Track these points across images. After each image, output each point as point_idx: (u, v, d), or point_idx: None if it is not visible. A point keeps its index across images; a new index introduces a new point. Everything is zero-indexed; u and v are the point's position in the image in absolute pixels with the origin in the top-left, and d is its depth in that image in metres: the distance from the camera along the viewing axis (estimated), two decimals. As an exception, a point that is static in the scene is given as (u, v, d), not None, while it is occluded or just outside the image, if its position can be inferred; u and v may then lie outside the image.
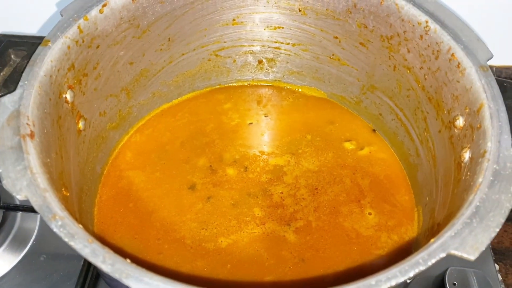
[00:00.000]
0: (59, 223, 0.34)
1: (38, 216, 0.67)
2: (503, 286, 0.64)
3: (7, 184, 0.36)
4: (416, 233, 0.56)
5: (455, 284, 0.58)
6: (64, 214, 0.35)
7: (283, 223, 0.57)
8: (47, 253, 0.63)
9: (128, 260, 0.33)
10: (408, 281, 0.48)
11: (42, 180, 0.37)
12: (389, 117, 0.64)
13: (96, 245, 0.33)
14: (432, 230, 0.49)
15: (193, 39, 0.65)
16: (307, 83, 0.71)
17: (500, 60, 0.81)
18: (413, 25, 0.53)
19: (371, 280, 0.32)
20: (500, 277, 0.64)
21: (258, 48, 0.69)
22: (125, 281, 0.31)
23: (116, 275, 0.31)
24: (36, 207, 0.35)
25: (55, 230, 0.34)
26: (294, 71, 0.71)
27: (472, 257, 0.33)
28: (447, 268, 0.59)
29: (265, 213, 0.58)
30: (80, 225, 0.35)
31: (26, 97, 0.42)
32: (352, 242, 0.56)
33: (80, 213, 0.51)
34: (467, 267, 0.59)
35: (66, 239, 0.33)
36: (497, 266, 0.65)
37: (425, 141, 0.57)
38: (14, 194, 0.35)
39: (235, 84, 0.73)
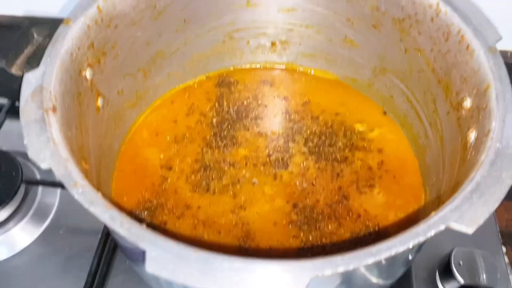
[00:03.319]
0: (80, 190, 0.37)
1: (58, 191, 0.70)
2: (509, 268, 0.65)
3: (32, 154, 0.38)
4: (423, 212, 0.58)
5: (460, 264, 0.59)
6: (84, 183, 0.37)
7: (291, 201, 0.59)
8: (66, 227, 0.66)
9: (144, 225, 0.35)
10: (410, 257, 0.49)
11: (63, 151, 0.39)
12: (400, 99, 0.65)
13: (114, 211, 0.35)
14: (437, 208, 0.50)
15: (207, 20, 0.66)
16: (320, 65, 0.72)
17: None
18: (424, 8, 0.54)
19: (372, 249, 0.33)
20: (506, 259, 0.65)
21: (271, 30, 0.70)
22: (141, 244, 0.33)
23: (132, 239, 0.34)
24: (58, 176, 0.37)
25: (76, 197, 0.36)
26: (307, 53, 0.72)
27: (470, 230, 0.34)
28: (453, 248, 0.60)
29: (275, 191, 0.60)
30: (99, 193, 0.37)
31: (48, 73, 0.44)
32: (359, 220, 0.57)
33: (98, 186, 0.54)
34: (473, 247, 0.60)
35: (86, 205, 0.36)
36: (504, 249, 0.66)
37: (434, 123, 0.58)
38: (38, 163, 0.38)
39: (248, 66, 0.75)
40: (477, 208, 0.35)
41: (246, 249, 0.54)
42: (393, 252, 0.33)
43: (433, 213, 0.36)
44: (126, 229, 0.34)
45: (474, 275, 0.58)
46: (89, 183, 0.38)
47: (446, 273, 0.60)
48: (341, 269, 0.32)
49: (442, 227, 0.35)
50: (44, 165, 0.38)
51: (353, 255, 0.33)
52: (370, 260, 0.33)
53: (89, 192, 0.37)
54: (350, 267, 0.32)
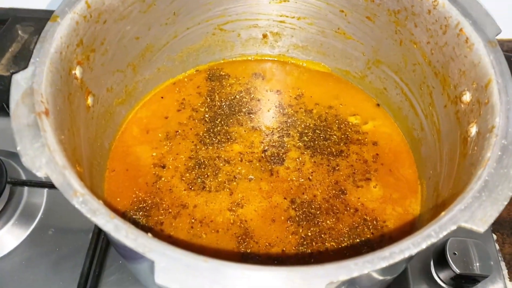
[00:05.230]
0: (80, 199, 0.35)
1: (45, 190, 0.68)
2: (500, 255, 0.66)
3: (26, 162, 0.36)
4: (420, 205, 0.58)
5: (455, 253, 0.60)
6: (85, 191, 0.36)
7: (289, 196, 0.58)
8: (55, 227, 0.64)
9: (150, 235, 0.34)
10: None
11: (60, 158, 0.37)
12: (394, 92, 0.64)
13: (118, 221, 0.34)
14: (437, 204, 0.50)
15: (198, 13, 0.64)
16: (312, 57, 0.71)
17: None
18: (421, 0, 0.53)
19: (385, 252, 0.33)
20: (497, 247, 0.66)
21: (263, 22, 0.68)
22: (148, 255, 0.32)
23: (139, 249, 0.32)
24: (57, 185, 0.35)
25: (77, 206, 0.34)
26: (299, 45, 0.70)
27: (481, 229, 0.34)
28: (448, 239, 0.61)
29: (271, 187, 0.59)
30: (101, 201, 0.36)
31: (38, 74, 0.42)
32: (357, 215, 0.57)
33: (91, 187, 0.52)
34: (466, 237, 0.61)
35: (88, 215, 0.34)
36: (494, 236, 0.67)
37: (430, 116, 0.58)
38: (33, 171, 0.36)
39: (239, 58, 0.73)
40: (486, 207, 0.35)
41: (246, 247, 0.54)
42: (406, 254, 0.33)
43: (443, 213, 0.36)
44: (132, 240, 0.33)
45: (468, 264, 0.59)
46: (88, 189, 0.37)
47: (441, 263, 0.61)
48: (355, 274, 0.32)
49: (453, 227, 0.34)
50: (40, 173, 0.36)
51: (366, 259, 0.33)
52: (384, 264, 0.32)
53: (91, 201, 0.35)
54: (365, 272, 0.32)
